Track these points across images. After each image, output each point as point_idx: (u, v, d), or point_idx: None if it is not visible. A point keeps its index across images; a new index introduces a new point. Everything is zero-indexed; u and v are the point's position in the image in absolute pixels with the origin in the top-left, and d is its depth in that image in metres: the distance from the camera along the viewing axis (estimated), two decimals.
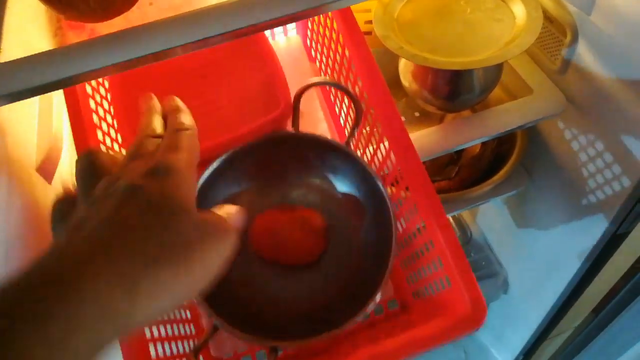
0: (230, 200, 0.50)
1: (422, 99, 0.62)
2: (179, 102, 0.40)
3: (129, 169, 0.32)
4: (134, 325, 0.26)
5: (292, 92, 0.50)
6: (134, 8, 0.41)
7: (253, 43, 0.57)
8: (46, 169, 0.48)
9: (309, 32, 0.66)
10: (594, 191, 0.72)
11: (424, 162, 0.76)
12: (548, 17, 0.62)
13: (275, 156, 0.51)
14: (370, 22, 0.67)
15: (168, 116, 0.38)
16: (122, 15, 0.41)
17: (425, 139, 0.63)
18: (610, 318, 0.87)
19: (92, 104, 0.51)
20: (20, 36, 0.43)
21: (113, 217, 0.28)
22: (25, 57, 0.38)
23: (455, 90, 0.59)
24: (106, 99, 0.55)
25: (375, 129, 0.50)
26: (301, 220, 0.50)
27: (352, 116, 0.52)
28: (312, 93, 0.65)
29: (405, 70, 0.62)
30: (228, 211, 0.34)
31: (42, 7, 0.40)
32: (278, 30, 0.69)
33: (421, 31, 0.57)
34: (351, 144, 0.50)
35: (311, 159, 0.51)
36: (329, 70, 0.60)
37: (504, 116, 0.64)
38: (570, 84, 0.65)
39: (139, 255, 0.27)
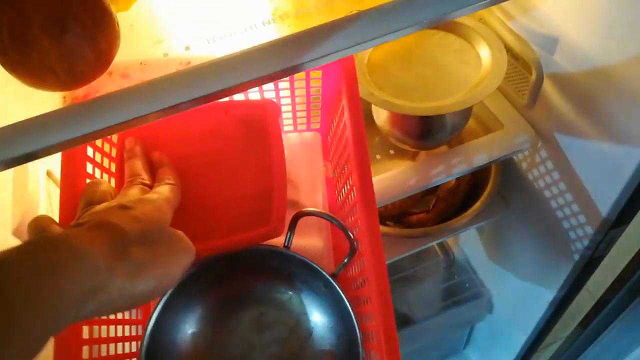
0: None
1: (396, 138, 0.64)
2: (164, 159, 0.49)
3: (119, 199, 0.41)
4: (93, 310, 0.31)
5: (302, 189, 0.54)
6: (104, 76, 0.42)
7: (266, 142, 0.52)
8: (22, 232, 0.48)
9: (332, 127, 0.59)
10: (568, 218, 0.74)
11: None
12: (514, 55, 0.64)
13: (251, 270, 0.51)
14: None
15: (157, 170, 0.47)
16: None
17: (400, 176, 0.64)
18: (602, 328, 0.89)
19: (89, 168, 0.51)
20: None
21: (103, 219, 0.36)
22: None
23: (426, 131, 0.61)
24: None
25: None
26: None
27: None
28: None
29: (378, 111, 0.63)
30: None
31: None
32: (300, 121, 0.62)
33: (391, 75, 0.59)
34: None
35: (289, 280, 0.51)
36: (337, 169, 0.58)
37: (476, 152, 0.65)
38: (538, 118, 0.67)
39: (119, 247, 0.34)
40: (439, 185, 0.81)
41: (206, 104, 0.40)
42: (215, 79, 0.41)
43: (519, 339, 1.07)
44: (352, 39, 0.42)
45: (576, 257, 0.77)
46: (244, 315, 0.51)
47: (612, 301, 0.80)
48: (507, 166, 0.79)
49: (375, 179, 0.64)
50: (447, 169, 0.64)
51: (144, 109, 0.40)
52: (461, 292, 1.13)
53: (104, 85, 0.42)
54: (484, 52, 0.59)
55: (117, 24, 0.41)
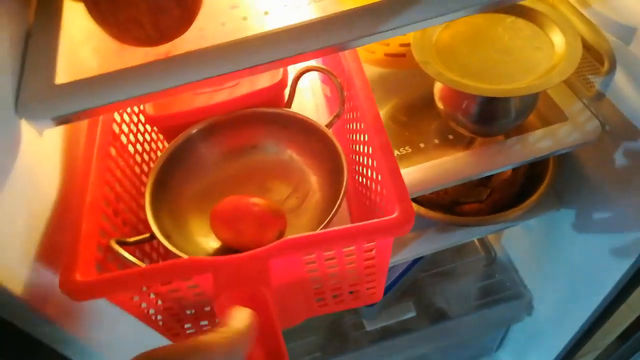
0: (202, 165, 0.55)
1: (457, 122, 0.63)
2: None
3: None
4: None
5: None
6: (184, 35, 0.43)
7: None
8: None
9: None
10: (626, 222, 0.72)
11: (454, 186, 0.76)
12: (585, 45, 0.62)
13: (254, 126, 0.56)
14: (405, 44, 0.68)
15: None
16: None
17: (457, 161, 0.64)
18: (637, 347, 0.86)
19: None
20: (75, 57, 0.44)
21: None
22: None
23: (491, 116, 0.60)
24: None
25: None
26: (258, 216, 0.48)
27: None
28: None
29: (441, 93, 0.62)
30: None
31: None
32: None
33: (459, 57, 0.58)
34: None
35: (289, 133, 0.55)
36: None
37: (538, 142, 0.64)
38: (605, 112, 0.65)
39: None
40: (491, 178, 0.79)
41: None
42: (294, 43, 0.41)
43: (555, 346, 1.05)
44: (426, 13, 0.42)
45: (626, 265, 0.75)
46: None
47: None
48: (565, 162, 0.77)
49: (433, 163, 0.64)
50: (507, 157, 0.63)
51: (223, 68, 0.40)
52: (501, 291, 1.11)
53: (184, 44, 0.43)
54: (557, 39, 0.57)
55: None
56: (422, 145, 0.66)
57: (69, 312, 0.43)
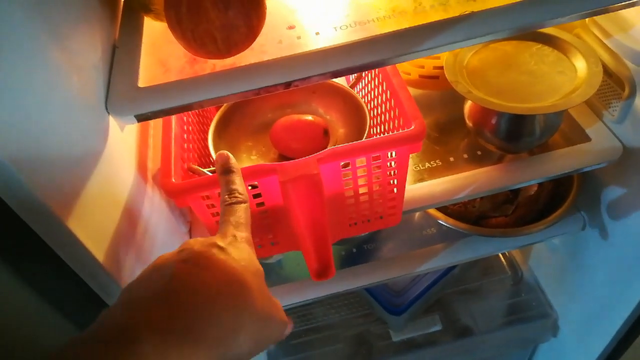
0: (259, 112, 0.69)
1: (485, 139, 0.68)
2: (232, 160, 0.46)
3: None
4: None
5: None
6: (248, 50, 0.50)
7: None
8: (156, 179, 0.57)
9: None
10: None
11: (482, 197, 0.81)
12: (607, 72, 0.67)
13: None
14: (438, 67, 0.74)
15: (222, 180, 0.45)
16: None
17: (484, 175, 0.69)
18: None
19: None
20: (155, 66, 0.52)
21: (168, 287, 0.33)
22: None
23: (516, 133, 0.65)
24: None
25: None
26: (309, 123, 0.63)
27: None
28: None
29: (470, 112, 0.68)
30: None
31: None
32: None
33: (488, 78, 0.64)
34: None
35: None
36: None
37: (562, 160, 0.68)
38: (627, 134, 0.69)
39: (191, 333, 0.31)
40: (517, 195, 0.84)
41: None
42: (342, 59, 0.48)
43: None
44: (463, 34, 0.48)
45: None
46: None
47: None
48: (589, 183, 0.81)
49: (460, 176, 0.69)
50: (532, 172, 0.68)
51: (279, 78, 0.47)
52: (526, 310, 1.13)
53: (247, 57, 0.50)
54: (580, 64, 0.63)
55: (265, 6, 0.49)
56: (451, 159, 0.71)
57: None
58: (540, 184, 0.83)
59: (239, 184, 0.44)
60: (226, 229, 0.40)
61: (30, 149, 0.35)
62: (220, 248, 0.37)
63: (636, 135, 0.68)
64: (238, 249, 0.38)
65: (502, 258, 1.23)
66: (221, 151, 0.47)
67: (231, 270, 0.35)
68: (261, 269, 0.39)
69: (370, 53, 0.47)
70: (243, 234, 0.40)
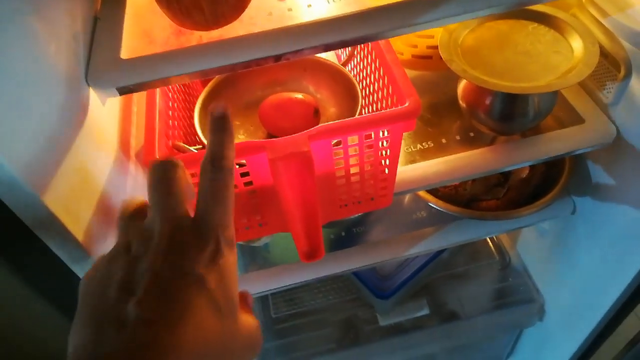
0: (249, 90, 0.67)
1: (478, 120, 0.67)
2: (229, 118, 0.34)
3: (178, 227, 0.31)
4: None
5: None
6: (236, 22, 0.48)
7: None
8: (139, 156, 0.55)
9: None
10: (637, 227, 0.74)
11: (474, 180, 0.80)
12: (603, 52, 0.66)
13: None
14: (432, 47, 0.73)
15: (213, 138, 0.33)
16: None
17: (476, 156, 0.67)
18: None
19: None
20: (138, 38, 0.50)
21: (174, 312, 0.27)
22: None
23: (510, 114, 0.64)
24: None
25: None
26: (299, 102, 0.62)
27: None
28: None
29: (464, 92, 0.67)
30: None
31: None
32: None
33: (483, 57, 0.62)
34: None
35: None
36: None
37: (555, 142, 0.67)
38: (621, 117, 0.68)
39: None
40: (508, 178, 0.83)
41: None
42: (334, 32, 0.46)
43: (566, 352, 1.07)
44: (461, 7, 0.47)
45: (634, 271, 0.77)
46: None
47: None
48: (580, 167, 0.80)
49: (452, 157, 0.68)
50: (524, 154, 0.67)
51: (268, 51, 0.45)
52: (513, 294, 1.13)
53: (235, 29, 0.48)
54: (576, 44, 0.61)
55: None
56: (443, 140, 0.70)
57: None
58: (532, 167, 0.82)
59: (231, 151, 0.33)
60: (208, 230, 0.31)
61: (1, 119, 0.32)
62: (201, 283, 0.28)
63: (630, 117, 0.67)
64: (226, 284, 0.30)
65: (490, 243, 1.23)
66: (219, 102, 0.35)
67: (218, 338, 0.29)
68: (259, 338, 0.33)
69: (364, 26, 0.45)
70: (230, 240, 0.31)
